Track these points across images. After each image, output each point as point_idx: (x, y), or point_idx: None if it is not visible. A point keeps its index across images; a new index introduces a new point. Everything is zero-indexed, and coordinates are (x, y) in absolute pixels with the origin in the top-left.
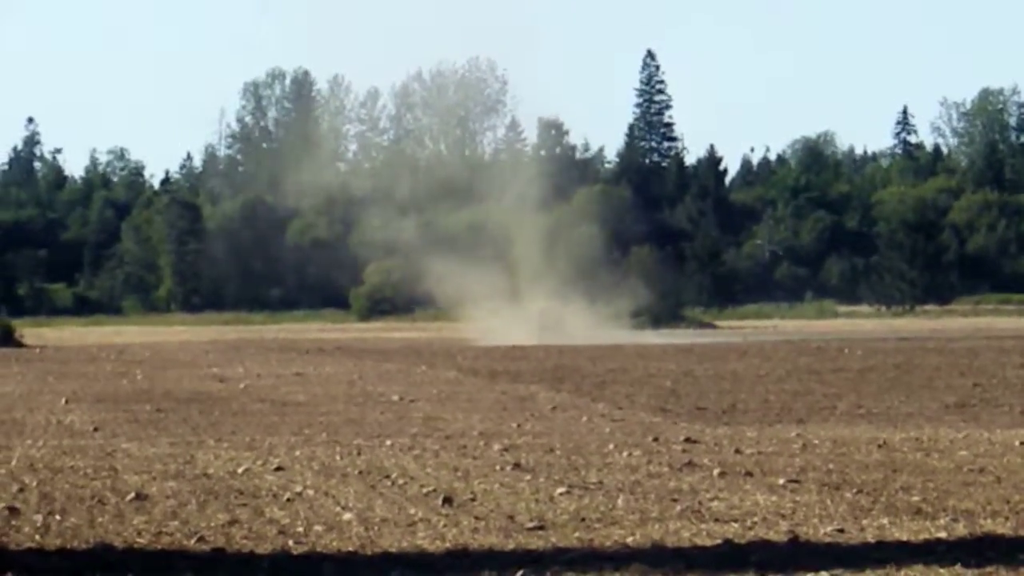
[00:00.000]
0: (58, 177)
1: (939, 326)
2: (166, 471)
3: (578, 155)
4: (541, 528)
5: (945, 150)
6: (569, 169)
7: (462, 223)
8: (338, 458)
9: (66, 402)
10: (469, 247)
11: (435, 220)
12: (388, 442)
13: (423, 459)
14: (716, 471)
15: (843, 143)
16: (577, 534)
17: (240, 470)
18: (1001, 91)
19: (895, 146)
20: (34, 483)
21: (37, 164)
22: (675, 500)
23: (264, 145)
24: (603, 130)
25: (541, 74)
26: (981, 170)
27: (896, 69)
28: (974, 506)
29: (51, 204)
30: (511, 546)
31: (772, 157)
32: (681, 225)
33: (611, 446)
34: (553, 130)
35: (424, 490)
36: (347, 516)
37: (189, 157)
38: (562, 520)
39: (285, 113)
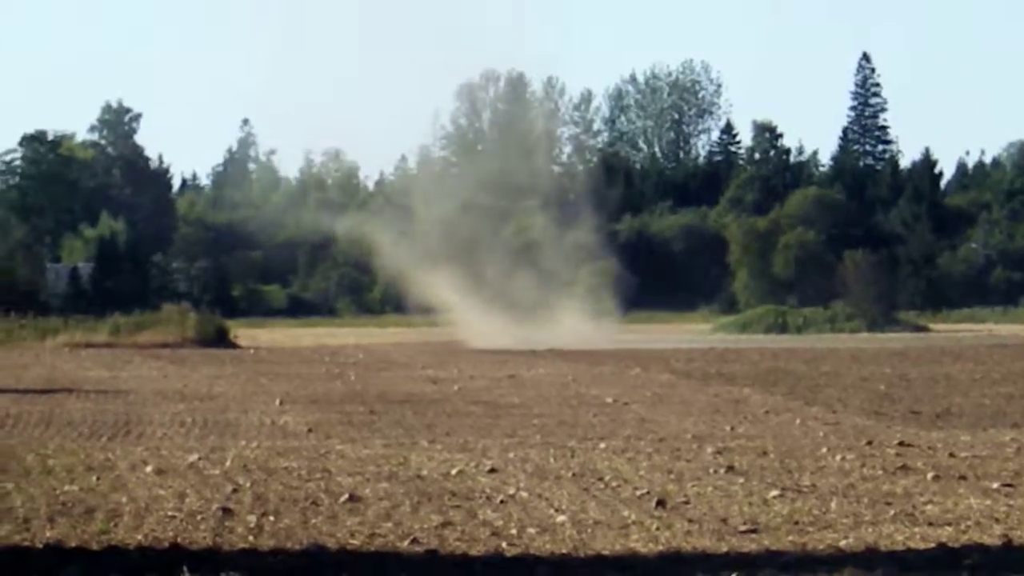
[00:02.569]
0: (273, 178)
1: None
2: (379, 473)
3: (792, 158)
4: (754, 531)
5: None
6: (783, 172)
7: (676, 225)
8: (551, 460)
9: (280, 403)
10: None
11: (649, 223)
12: (601, 444)
13: (636, 461)
14: (930, 475)
15: None
16: (790, 537)
17: (453, 472)
18: None
19: None
20: (248, 484)
21: (252, 166)
22: (888, 504)
23: (478, 147)
24: (817, 133)
25: (755, 76)
26: None
27: None
28: None
29: (265, 205)
30: (724, 549)
31: (987, 160)
32: (895, 229)
33: (824, 449)
34: (767, 133)
35: (637, 492)
36: (560, 518)
37: (403, 159)
38: (775, 523)
39: (499, 115)
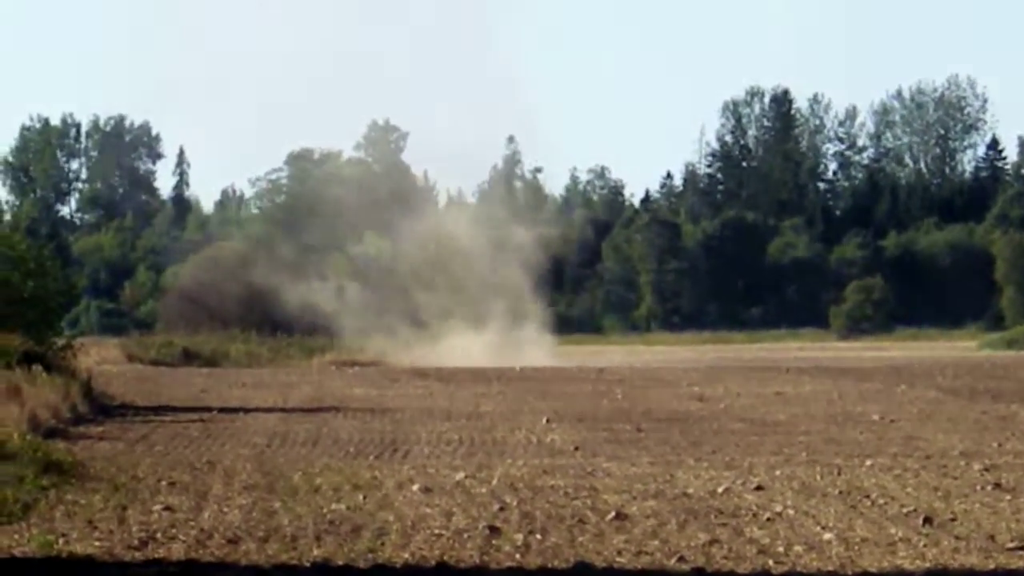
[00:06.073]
0: (538, 196)
1: None
2: (646, 490)
3: None
4: (1022, 548)
5: None
6: None
7: (944, 242)
8: (818, 478)
9: (547, 421)
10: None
11: (915, 239)
12: (868, 462)
13: (903, 479)
14: None
15: None
16: None
17: (720, 489)
18: None
19: None
20: (515, 502)
21: (517, 183)
22: None
23: (744, 163)
24: None
25: (1022, 92)
26: None
27: None
28: None
29: (531, 222)
30: (991, 566)
31: None
32: None
33: None
34: None
35: (904, 510)
36: (827, 536)
37: (669, 176)
38: None
39: (764, 131)
